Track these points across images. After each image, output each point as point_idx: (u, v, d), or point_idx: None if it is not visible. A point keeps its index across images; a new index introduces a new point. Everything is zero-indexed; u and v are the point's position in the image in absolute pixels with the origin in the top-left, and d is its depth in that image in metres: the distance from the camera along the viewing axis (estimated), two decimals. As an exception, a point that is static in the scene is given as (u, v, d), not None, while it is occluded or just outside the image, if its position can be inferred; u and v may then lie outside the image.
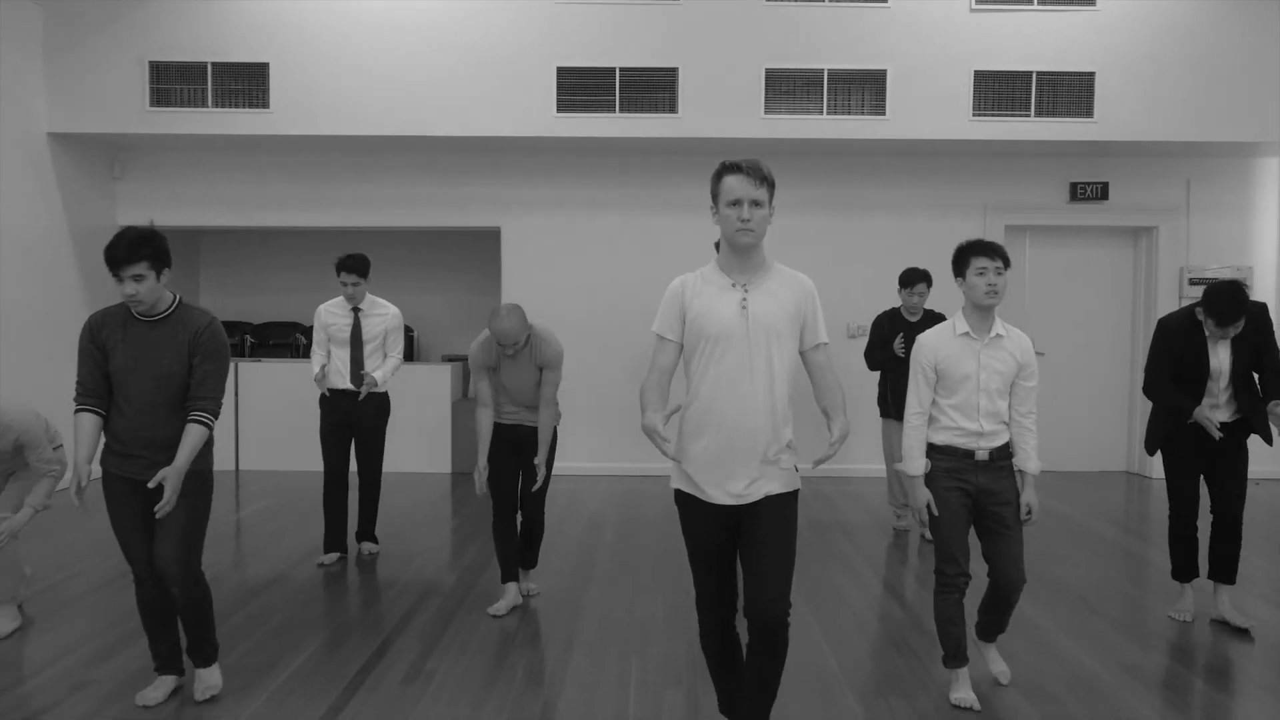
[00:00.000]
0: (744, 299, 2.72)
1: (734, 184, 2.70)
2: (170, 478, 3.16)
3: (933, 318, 5.90)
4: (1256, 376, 4.29)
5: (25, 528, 4.21)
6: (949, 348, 3.43)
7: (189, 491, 3.30)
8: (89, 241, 7.64)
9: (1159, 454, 4.46)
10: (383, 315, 5.42)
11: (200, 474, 3.36)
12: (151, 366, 3.27)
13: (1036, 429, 3.48)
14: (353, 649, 4.02)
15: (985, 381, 3.39)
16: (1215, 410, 4.27)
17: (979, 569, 3.54)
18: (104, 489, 3.38)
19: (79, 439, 3.26)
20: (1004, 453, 3.45)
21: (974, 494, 3.43)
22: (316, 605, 4.62)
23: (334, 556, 5.34)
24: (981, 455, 3.41)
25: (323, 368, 5.32)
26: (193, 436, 3.25)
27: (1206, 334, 4.22)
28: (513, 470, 4.52)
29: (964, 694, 3.49)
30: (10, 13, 6.78)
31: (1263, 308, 4.25)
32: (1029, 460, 3.45)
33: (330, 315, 5.39)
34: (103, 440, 3.31)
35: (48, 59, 7.14)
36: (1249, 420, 4.27)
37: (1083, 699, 3.54)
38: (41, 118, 7.14)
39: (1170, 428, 4.35)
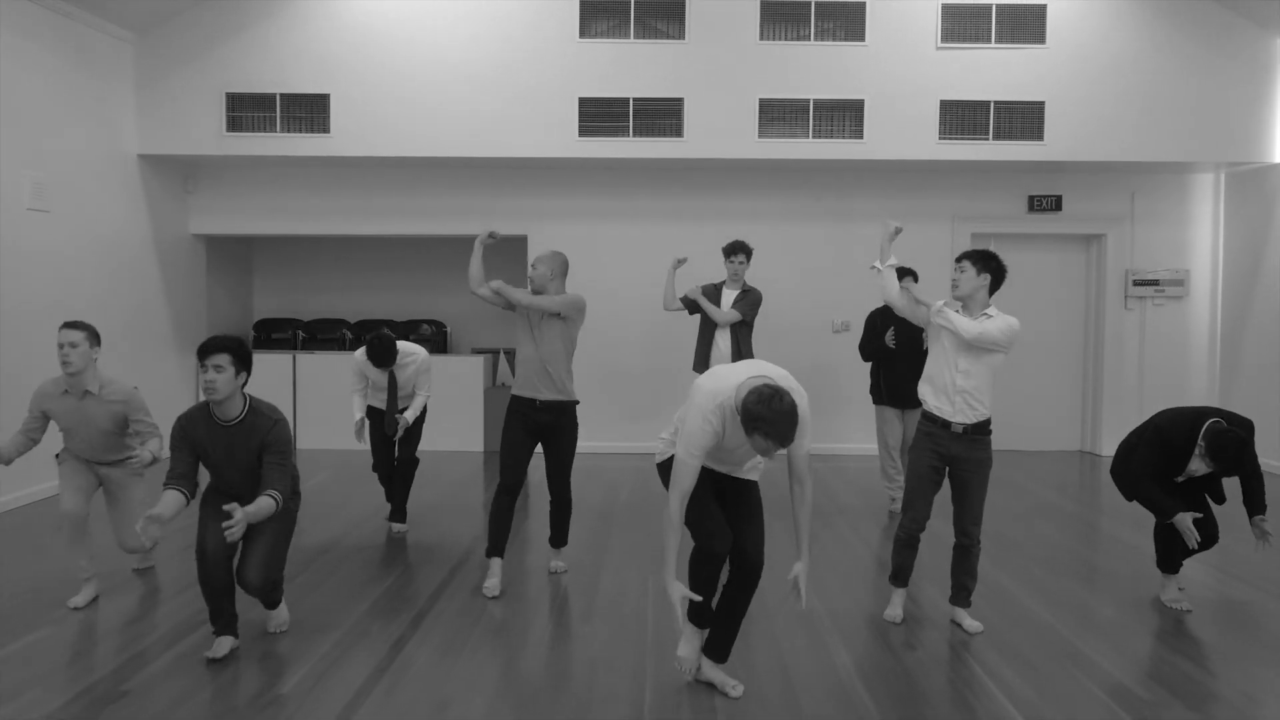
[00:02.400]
0: None
1: (761, 445, 3.13)
2: (239, 514, 3.56)
3: None
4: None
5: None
6: (946, 315, 4.24)
7: (277, 518, 3.84)
8: (167, 248, 8.74)
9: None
10: (412, 362, 5.87)
11: (287, 511, 3.96)
12: (234, 461, 3.87)
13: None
14: (426, 577, 5.09)
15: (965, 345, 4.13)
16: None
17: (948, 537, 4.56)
18: (202, 498, 4.00)
19: (163, 504, 3.73)
20: (981, 429, 4.19)
21: (948, 459, 4.23)
22: (383, 553, 5.69)
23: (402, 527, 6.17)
24: (957, 428, 4.18)
25: (360, 420, 5.92)
26: (263, 505, 3.72)
27: (1197, 452, 4.45)
28: (528, 449, 4.87)
29: (893, 611, 4.40)
30: (105, 48, 7.85)
31: (1249, 437, 4.45)
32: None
33: (369, 369, 5.84)
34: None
35: (138, 89, 8.22)
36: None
37: (1033, 638, 4.27)
38: (132, 140, 8.22)
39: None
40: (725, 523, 3.49)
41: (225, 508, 3.59)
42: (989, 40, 8.26)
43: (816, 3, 8.22)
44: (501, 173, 9.08)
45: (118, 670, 3.80)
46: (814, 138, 8.29)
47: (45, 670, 3.80)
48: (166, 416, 5.86)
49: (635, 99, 8.27)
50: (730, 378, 3.31)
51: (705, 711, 3.48)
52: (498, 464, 4.92)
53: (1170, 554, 4.73)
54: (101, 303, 7.56)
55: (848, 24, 8.27)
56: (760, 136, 8.30)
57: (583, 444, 5.24)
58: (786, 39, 8.29)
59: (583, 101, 8.27)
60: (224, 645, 3.94)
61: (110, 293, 7.82)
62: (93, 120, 7.69)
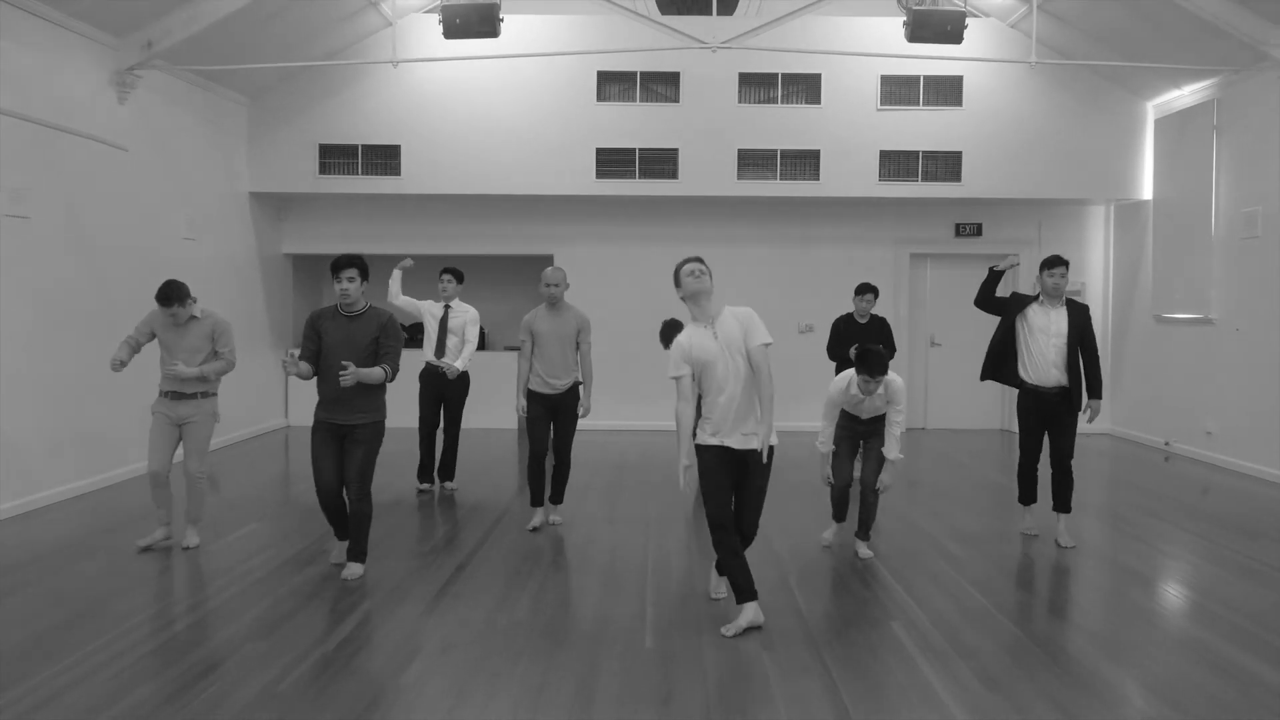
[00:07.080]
0: (714, 333, 4.49)
1: (689, 267, 4.54)
2: (357, 372, 4.55)
3: (878, 322, 7.63)
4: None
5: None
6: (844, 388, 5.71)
7: (369, 437, 4.84)
8: (266, 265, 10.94)
9: (1013, 414, 6.39)
10: (465, 311, 7.57)
11: (378, 424, 4.94)
12: (350, 344, 4.75)
13: (904, 425, 5.57)
14: (476, 525, 6.78)
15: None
16: (1051, 370, 5.86)
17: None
18: (312, 432, 4.99)
19: (304, 369, 4.84)
20: (880, 419, 5.71)
21: (860, 436, 5.89)
22: (443, 506, 7.58)
23: (428, 486, 7.63)
24: (864, 420, 5.80)
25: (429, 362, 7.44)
26: (375, 370, 4.73)
27: (1040, 301, 5.90)
28: (546, 425, 6.24)
29: (826, 535, 6.21)
30: (227, 109, 10.03)
31: (1086, 307, 5.99)
32: (891, 448, 5.54)
33: (433, 307, 7.59)
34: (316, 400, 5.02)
35: (250, 141, 10.42)
36: (1069, 391, 5.87)
37: (917, 540, 6.24)
38: (244, 181, 10.41)
39: (1017, 394, 6.11)
40: (728, 503, 4.54)
41: (343, 371, 4.53)
42: (918, 103, 10.46)
43: (783, 74, 10.43)
44: (534, 206, 11.23)
45: (302, 551, 5.99)
46: (781, 179, 10.47)
47: (259, 547, 6.01)
48: (263, 400, 7.90)
49: (640, 149, 10.45)
50: None
51: (689, 578, 5.61)
52: (527, 439, 6.60)
53: (1028, 491, 6.34)
54: (227, 310, 9.68)
55: (807, 90, 10.47)
56: (739, 178, 10.47)
57: (595, 422, 7.11)
58: (759, 102, 10.49)
59: (599, 151, 10.44)
60: (344, 549, 5.30)
61: (231, 301, 9.96)
62: (219, 166, 9.89)
